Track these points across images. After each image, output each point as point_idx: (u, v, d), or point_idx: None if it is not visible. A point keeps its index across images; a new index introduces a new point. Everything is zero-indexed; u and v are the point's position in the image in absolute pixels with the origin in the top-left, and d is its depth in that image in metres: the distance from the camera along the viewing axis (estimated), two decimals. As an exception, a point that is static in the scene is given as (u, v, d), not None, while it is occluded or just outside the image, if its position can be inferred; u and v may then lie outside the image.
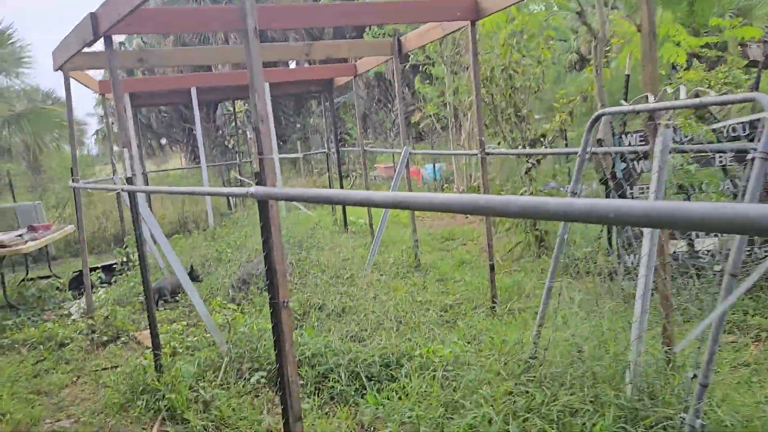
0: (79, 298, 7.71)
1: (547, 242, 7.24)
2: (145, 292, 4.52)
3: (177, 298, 6.76)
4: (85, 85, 7.13)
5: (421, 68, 12.47)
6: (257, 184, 2.60)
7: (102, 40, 4.25)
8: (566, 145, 8.30)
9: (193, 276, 6.90)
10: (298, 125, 25.53)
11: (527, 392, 3.01)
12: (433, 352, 3.67)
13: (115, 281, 7.87)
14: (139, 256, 4.42)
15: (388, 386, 3.62)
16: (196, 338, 5.20)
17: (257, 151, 2.58)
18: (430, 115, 12.31)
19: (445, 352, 3.62)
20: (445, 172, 16.61)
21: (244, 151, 15.22)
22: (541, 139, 7.76)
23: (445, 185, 14.36)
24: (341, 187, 10.79)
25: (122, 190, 4.23)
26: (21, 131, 12.71)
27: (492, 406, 2.94)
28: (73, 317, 6.70)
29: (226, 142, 13.96)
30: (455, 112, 11.98)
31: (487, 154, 5.09)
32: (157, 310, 6.52)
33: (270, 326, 4.71)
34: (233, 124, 15.14)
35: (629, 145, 5.69)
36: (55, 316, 6.79)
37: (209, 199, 10.47)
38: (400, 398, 3.40)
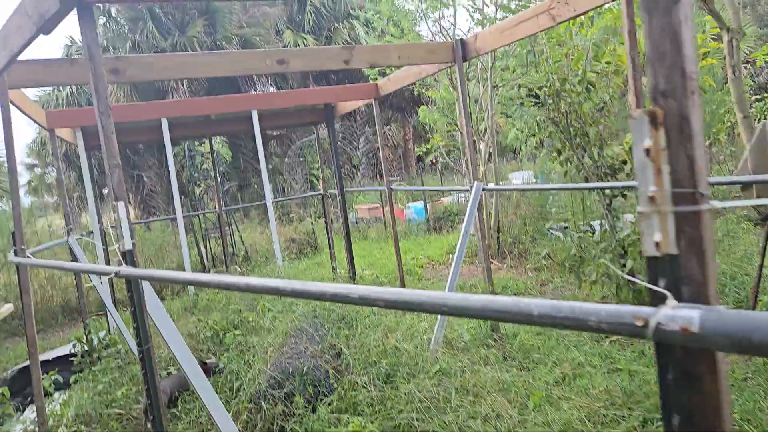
0: (24, 408, 5.58)
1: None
2: (153, 418, 2.62)
3: (177, 403, 4.76)
4: (29, 116, 5.17)
5: (419, 95, 10.96)
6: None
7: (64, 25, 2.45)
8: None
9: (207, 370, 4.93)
10: (258, 169, 23.43)
11: None
12: None
13: (75, 382, 5.75)
14: (143, 368, 2.53)
15: None
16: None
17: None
18: (438, 147, 10.73)
19: None
20: (438, 210, 15.00)
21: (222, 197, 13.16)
22: (623, 166, 6.23)
23: (454, 226, 12.61)
24: (347, 232, 8.98)
25: (117, 276, 2.34)
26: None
27: None
28: (17, 448, 4.60)
29: (192, 189, 11.95)
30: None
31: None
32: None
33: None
34: (203, 166, 13.14)
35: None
36: (-10, 447, 4.66)
37: (187, 257, 8.44)
38: None
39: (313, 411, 3.90)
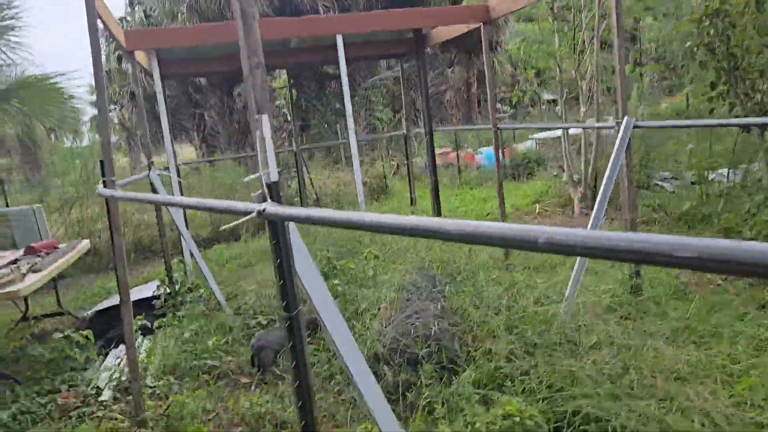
0: (105, 353, 5.22)
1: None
2: (302, 404, 2.05)
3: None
4: (111, 33, 4.56)
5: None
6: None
7: None
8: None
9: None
10: (319, 110, 22.54)
11: None
12: None
13: (159, 327, 5.33)
14: (291, 339, 1.91)
15: None
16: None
17: None
18: (532, 84, 9.73)
19: None
20: (525, 154, 14.01)
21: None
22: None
23: (546, 172, 11.59)
24: (434, 175, 8.26)
25: (261, 215, 1.69)
26: (10, 115, 9.94)
27: None
28: (103, 399, 4.20)
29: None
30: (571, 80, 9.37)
31: None
32: (260, 383, 4.00)
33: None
34: (277, 102, 12.50)
35: None
36: (75, 396, 4.27)
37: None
38: None
39: (447, 384, 3.28)
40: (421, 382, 3.30)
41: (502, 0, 5.75)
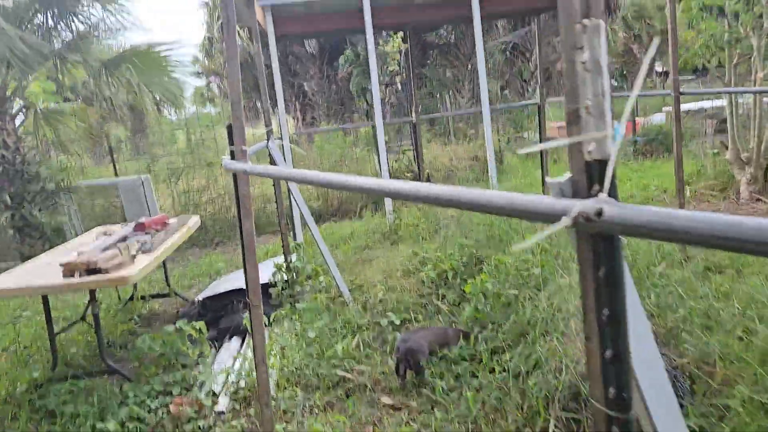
0: (219, 345, 4.63)
1: None
2: None
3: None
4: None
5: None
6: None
7: None
8: None
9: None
10: (427, 77, 21.39)
11: None
12: None
13: (275, 320, 4.66)
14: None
15: None
16: None
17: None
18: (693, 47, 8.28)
19: None
20: (650, 131, 12.44)
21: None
22: None
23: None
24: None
25: (590, 222, 0.79)
26: (120, 83, 9.60)
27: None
28: (220, 410, 3.55)
29: (364, 98, 10.51)
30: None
31: None
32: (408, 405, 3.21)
33: None
34: (390, 68, 11.68)
35: None
36: (189, 403, 3.65)
37: (386, 171, 7.12)
38: None
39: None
40: None
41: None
